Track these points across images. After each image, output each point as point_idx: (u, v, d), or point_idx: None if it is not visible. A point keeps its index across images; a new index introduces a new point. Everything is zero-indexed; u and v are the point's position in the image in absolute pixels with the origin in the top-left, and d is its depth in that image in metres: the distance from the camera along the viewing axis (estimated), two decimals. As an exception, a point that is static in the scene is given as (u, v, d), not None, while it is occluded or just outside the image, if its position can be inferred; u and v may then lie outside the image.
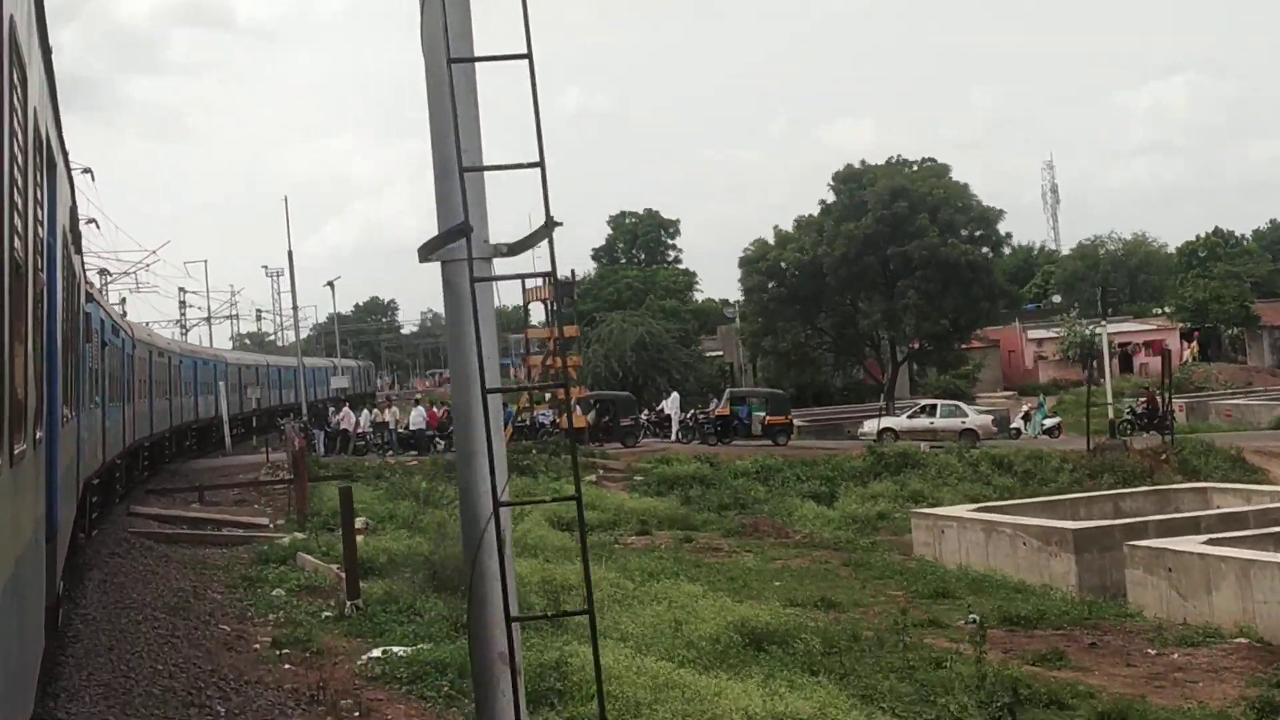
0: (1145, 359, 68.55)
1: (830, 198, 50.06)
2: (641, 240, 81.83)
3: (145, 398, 27.26)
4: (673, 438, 41.31)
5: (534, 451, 37.45)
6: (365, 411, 42.08)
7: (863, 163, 48.09)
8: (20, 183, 5.16)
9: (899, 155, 50.64)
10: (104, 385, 18.27)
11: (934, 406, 39.59)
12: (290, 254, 41.70)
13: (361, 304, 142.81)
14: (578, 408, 40.86)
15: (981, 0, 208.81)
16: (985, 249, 44.91)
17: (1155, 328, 70.70)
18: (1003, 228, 45.62)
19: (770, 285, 45.74)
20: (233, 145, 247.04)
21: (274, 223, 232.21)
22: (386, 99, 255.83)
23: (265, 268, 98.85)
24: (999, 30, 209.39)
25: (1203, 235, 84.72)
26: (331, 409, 46.30)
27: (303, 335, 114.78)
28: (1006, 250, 46.51)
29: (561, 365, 41.63)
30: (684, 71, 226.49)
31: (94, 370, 16.07)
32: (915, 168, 48.44)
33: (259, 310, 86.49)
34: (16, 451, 4.88)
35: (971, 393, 58.18)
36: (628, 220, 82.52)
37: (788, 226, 47.52)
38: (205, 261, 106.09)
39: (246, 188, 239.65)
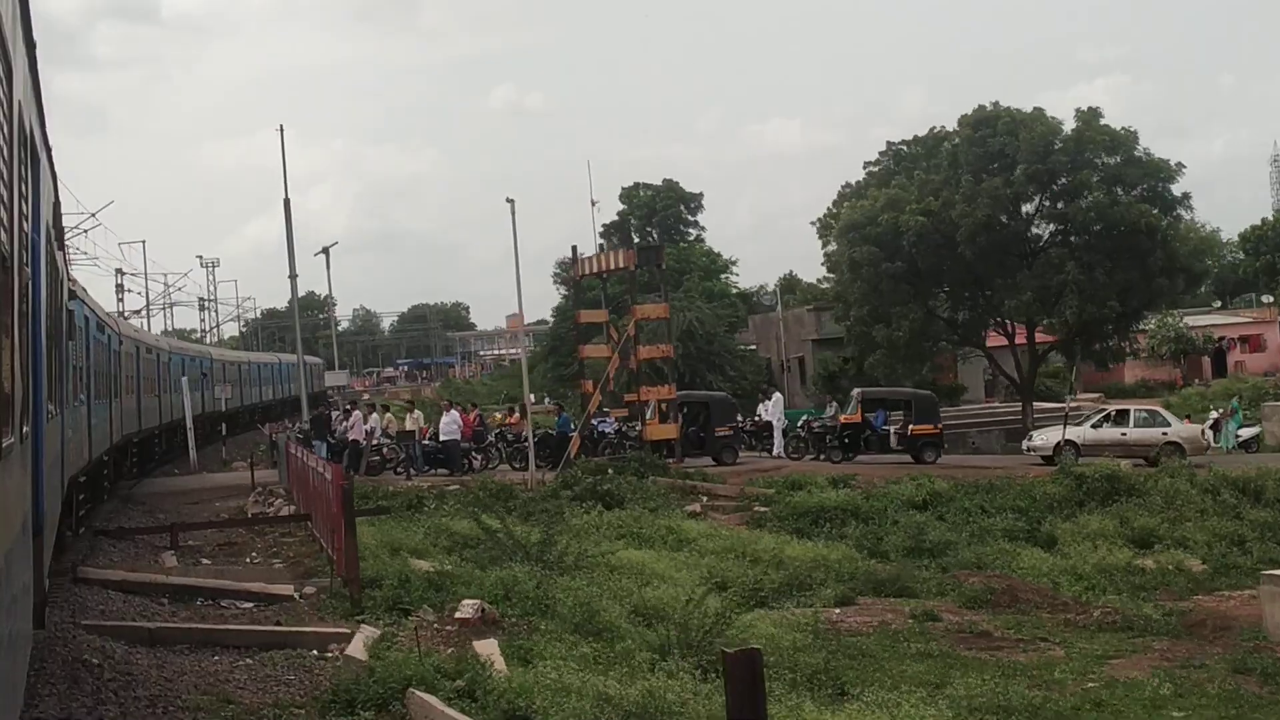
0: (1242, 356, 60.64)
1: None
2: (659, 216, 71.77)
3: (133, 394, 26.91)
4: (776, 451, 32.26)
5: (609, 471, 28.32)
6: (375, 416, 32.32)
7: (995, 104, 38.47)
8: (6, 177, 5.19)
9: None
10: (89, 382, 18.11)
11: (1125, 413, 30.92)
12: (287, 201, 32.81)
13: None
14: (653, 415, 31.69)
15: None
16: (1156, 210, 35.63)
17: (1251, 320, 62.65)
18: (1177, 188, 36.42)
19: (884, 260, 35.62)
20: (159, 140, 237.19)
21: (201, 218, 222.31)
22: (315, 96, 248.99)
23: (200, 257, 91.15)
24: (931, 29, 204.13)
25: (1269, 218, 76.85)
26: (336, 414, 36.48)
27: (240, 330, 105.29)
28: (1184, 214, 36.83)
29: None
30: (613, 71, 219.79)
31: (78, 367, 15.96)
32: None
33: (201, 300, 75.82)
34: (4, 445, 4.89)
35: (1064, 394, 49.80)
36: (642, 193, 72.25)
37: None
38: (144, 242, 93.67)
39: (171, 184, 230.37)
